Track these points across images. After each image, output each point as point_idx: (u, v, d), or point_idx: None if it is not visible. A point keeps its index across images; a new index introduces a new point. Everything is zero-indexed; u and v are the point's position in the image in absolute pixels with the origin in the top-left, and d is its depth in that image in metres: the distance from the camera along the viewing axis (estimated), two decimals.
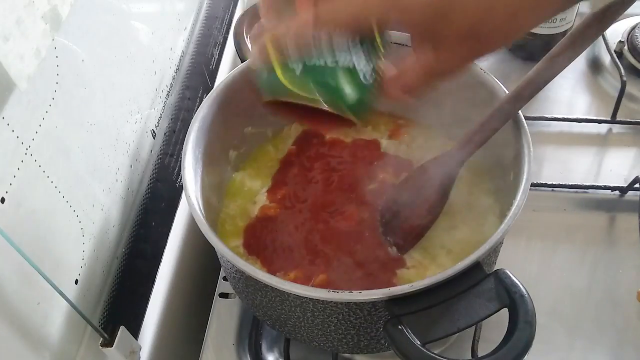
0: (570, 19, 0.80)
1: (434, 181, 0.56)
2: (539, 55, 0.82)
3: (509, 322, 0.42)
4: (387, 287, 0.44)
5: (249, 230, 0.61)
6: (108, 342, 0.53)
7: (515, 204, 0.48)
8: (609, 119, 0.76)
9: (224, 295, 0.66)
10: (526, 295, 0.43)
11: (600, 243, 0.67)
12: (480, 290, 0.44)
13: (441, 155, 0.57)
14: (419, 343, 0.41)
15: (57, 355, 0.48)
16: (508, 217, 0.48)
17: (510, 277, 0.44)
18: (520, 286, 0.43)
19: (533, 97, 0.53)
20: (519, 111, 0.54)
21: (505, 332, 0.43)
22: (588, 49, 0.84)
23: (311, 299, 0.47)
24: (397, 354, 0.42)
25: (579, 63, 0.84)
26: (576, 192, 0.71)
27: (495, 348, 0.41)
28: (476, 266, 0.45)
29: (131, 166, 0.61)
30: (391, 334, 0.42)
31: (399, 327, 0.42)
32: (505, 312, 0.44)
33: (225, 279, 0.67)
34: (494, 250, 0.50)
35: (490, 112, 0.53)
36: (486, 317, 0.43)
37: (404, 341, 0.41)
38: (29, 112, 0.44)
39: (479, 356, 0.57)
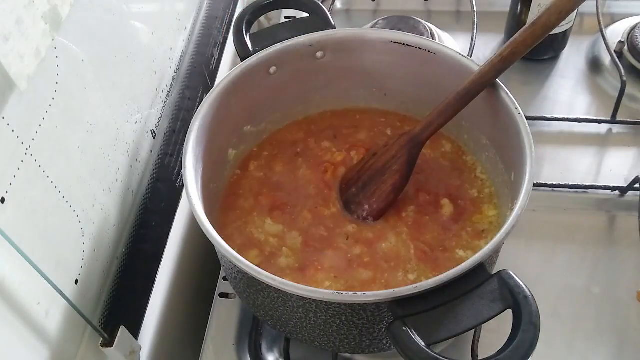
0: (571, 19, 0.80)
1: (398, 159, 0.59)
2: (539, 54, 0.83)
3: (512, 324, 0.42)
4: (390, 289, 0.44)
5: None
6: (108, 342, 0.53)
7: (518, 205, 0.48)
8: (609, 119, 0.76)
9: (224, 295, 0.66)
10: (530, 297, 0.43)
11: (600, 243, 0.67)
12: (484, 292, 0.44)
13: (404, 134, 0.59)
14: (423, 344, 0.41)
15: (57, 355, 0.48)
16: (510, 218, 0.47)
17: (514, 278, 0.44)
18: (524, 287, 0.43)
19: (497, 78, 0.55)
20: (521, 111, 0.54)
21: (504, 332, 0.42)
22: (588, 49, 0.85)
23: (314, 300, 0.47)
24: (401, 355, 0.42)
25: (579, 63, 0.84)
26: (576, 192, 0.71)
27: (500, 349, 0.41)
28: (480, 267, 0.45)
29: (131, 166, 0.60)
30: (395, 335, 0.42)
31: (404, 328, 0.42)
32: (504, 312, 0.44)
33: (225, 279, 0.66)
34: (496, 251, 0.50)
35: (454, 93, 0.55)
36: (490, 318, 0.43)
37: (409, 343, 0.41)
38: (29, 112, 0.44)
39: (481, 358, 0.57)
